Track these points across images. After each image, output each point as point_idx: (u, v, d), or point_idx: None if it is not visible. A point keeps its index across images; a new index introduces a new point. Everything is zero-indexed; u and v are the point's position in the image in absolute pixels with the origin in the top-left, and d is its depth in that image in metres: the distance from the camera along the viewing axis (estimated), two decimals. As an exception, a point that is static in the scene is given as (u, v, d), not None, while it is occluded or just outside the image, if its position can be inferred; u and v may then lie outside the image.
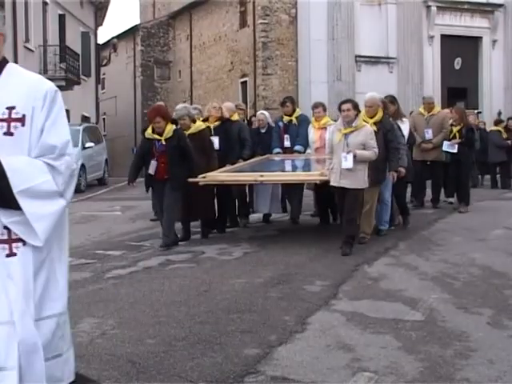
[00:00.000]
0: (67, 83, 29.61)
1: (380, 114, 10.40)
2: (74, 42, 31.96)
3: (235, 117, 12.46)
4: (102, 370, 5.08)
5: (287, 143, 12.58)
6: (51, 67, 29.36)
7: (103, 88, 44.08)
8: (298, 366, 5.13)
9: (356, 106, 9.54)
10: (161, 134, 10.14)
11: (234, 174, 10.96)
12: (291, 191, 12.52)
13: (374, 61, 33.76)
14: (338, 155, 9.34)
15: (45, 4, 29.67)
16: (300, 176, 11.06)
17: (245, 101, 32.59)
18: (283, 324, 6.17)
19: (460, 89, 35.15)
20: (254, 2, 34.49)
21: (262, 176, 10.44)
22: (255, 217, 13.15)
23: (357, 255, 9.29)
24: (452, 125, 13.85)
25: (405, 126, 11.78)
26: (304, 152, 12.49)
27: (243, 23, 36.11)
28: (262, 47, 33.89)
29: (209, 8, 39.79)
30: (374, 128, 10.01)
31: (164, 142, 10.11)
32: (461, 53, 35.40)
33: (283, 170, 11.72)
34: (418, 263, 8.88)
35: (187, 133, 10.62)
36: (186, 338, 5.78)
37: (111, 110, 45.78)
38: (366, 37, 33.12)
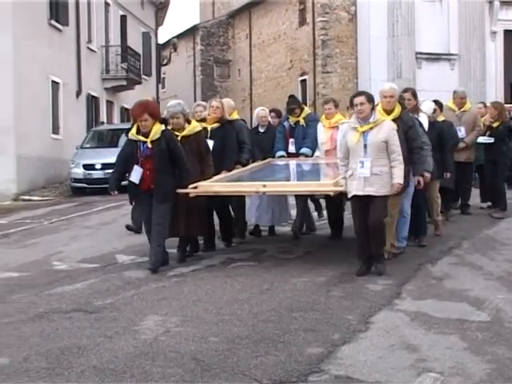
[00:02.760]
0: (128, 83, 30.01)
1: (398, 109, 8.86)
2: (135, 42, 32.32)
3: (234, 115, 10.83)
4: (166, 367, 5.12)
5: (292, 148, 10.93)
6: (113, 67, 29.76)
7: (163, 87, 44.47)
8: (361, 365, 5.10)
9: (371, 99, 8.11)
10: (146, 136, 8.58)
11: (231, 184, 9.30)
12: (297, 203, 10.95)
13: (434, 57, 33.35)
14: (357, 158, 7.98)
15: (107, 5, 30.08)
16: (310, 186, 9.17)
17: (304, 99, 32.56)
18: (346, 323, 6.14)
19: (524, 85, 34.49)
20: (313, 0, 34.40)
21: (264, 186, 8.80)
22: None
23: (420, 254, 9.18)
24: (490, 122, 12.64)
25: (423, 120, 10.23)
26: (312, 155, 10.80)
27: (302, 21, 36.07)
28: (322, 45, 33.80)
29: (268, 6, 39.83)
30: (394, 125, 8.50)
31: (150, 145, 8.53)
32: (525, 48, 34.72)
33: (288, 178, 10.20)
34: (483, 262, 8.73)
35: (180, 135, 9.11)
36: (249, 336, 5.79)
37: (171, 109, 46.11)
38: (427, 33, 32.74)
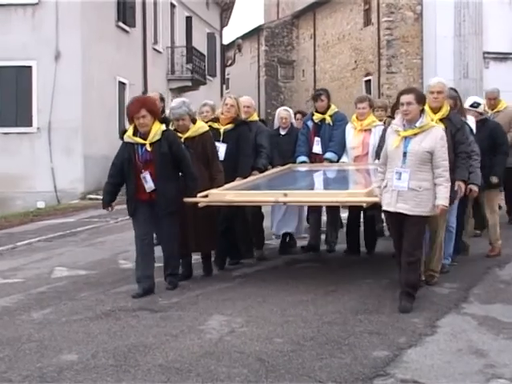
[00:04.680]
0: (193, 83, 30.24)
1: (447, 108, 7.74)
2: (200, 43, 32.55)
3: (254, 116, 9.67)
4: (231, 367, 5.14)
5: (317, 148, 9.72)
6: (178, 68, 30.05)
7: (228, 88, 44.66)
8: (428, 369, 5.03)
9: (421, 99, 6.81)
10: (145, 137, 7.50)
11: (246, 193, 8.10)
12: (327, 213, 9.93)
13: (503, 57, 32.79)
14: (394, 167, 6.76)
15: (172, 6, 30.36)
16: (339, 196, 7.68)
17: (369, 99, 32.30)
18: (412, 326, 6.07)
19: None
20: (378, 0, 34.16)
21: (285, 195, 7.67)
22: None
23: (488, 258, 9.03)
24: None
25: (470, 125, 8.98)
26: (337, 161, 9.59)
27: (367, 21, 35.87)
28: (387, 45, 33.56)
29: (333, 7, 39.72)
30: (442, 125, 7.35)
31: (149, 148, 7.46)
32: None
33: (312, 187, 9.00)
34: (553, 267, 8.54)
35: (184, 136, 8.06)
36: (314, 338, 5.78)
37: (235, 110, 46.37)
38: (495, 32, 32.19)
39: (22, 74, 20.94)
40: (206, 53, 33.37)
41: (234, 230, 8.90)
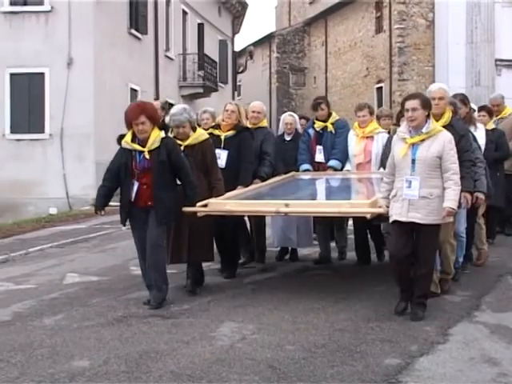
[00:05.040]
0: (205, 90, 30.30)
1: (449, 114, 7.48)
2: (211, 50, 32.63)
3: (264, 123, 9.47)
4: (243, 374, 5.15)
5: (320, 157, 9.55)
6: (190, 75, 30.13)
7: (239, 95, 44.74)
8: (440, 378, 5.02)
9: (427, 104, 6.64)
10: (144, 144, 7.28)
11: (247, 203, 7.81)
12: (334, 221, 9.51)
13: (515, 64, 32.65)
14: (404, 176, 6.60)
15: (185, 14, 30.46)
16: (342, 206, 7.32)
17: (380, 107, 32.29)
18: (424, 334, 6.06)
19: None
20: (390, 7, 34.16)
21: (287, 206, 7.40)
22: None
23: (500, 266, 9.00)
24: None
25: (480, 134, 8.95)
26: (341, 169, 9.49)
27: (379, 28, 35.83)
28: (398, 52, 33.50)
29: (344, 14, 39.71)
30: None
31: (148, 156, 7.21)
32: None
33: (314, 196, 8.78)
34: None
35: (184, 144, 7.81)
36: (325, 346, 5.77)
37: (246, 117, 46.44)
38: (507, 40, 32.02)
39: (35, 81, 21.06)
40: (217, 60, 33.44)
41: (226, 239, 8.56)
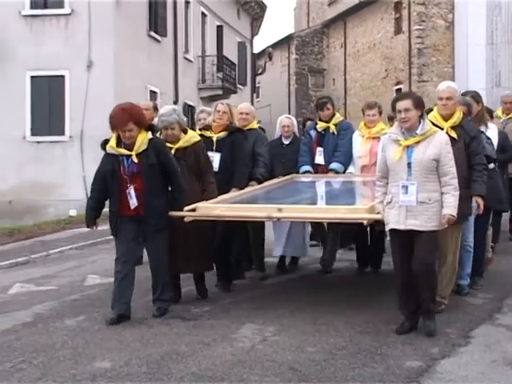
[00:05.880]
0: (224, 92, 30.32)
1: (459, 114, 7.00)
2: (230, 52, 32.66)
3: (254, 124, 9.04)
4: (263, 375, 5.15)
5: (320, 159, 9.06)
6: (209, 77, 30.17)
7: (258, 96, 44.74)
8: (462, 380, 5.00)
9: (419, 104, 6.19)
10: (130, 148, 6.83)
11: (237, 207, 7.22)
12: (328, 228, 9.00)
13: (536, 65, 32.49)
14: (399, 181, 6.15)
15: (204, 16, 30.52)
16: (338, 211, 6.78)
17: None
18: (446, 337, 6.04)
19: None
20: (409, 8, 34.07)
21: (280, 210, 6.89)
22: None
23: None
24: None
25: (492, 133, 8.46)
26: (344, 172, 8.96)
27: (398, 30, 35.77)
28: (418, 54, 33.47)
29: (363, 15, 39.67)
30: (454, 134, 6.81)
31: (136, 160, 6.78)
32: None
33: (314, 199, 8.27)
34: None
35: (174, 147, 7.42)
36: (346, 348, 5.77)
37: (266, 119, 46.38)
38: (528, 40, 31.95)
39: (55, 84, 21.16)
40: (236, 62, 33.47)
41: (229, 248, 8.13)
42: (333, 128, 9.07)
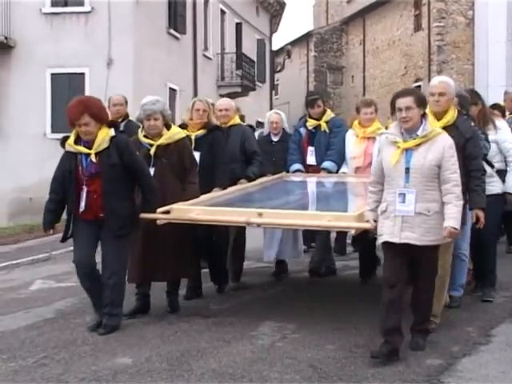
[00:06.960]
0: (243, 90, 30.34)
1: (453, 113, 6.30)
2: (249, 49, 32.66)
3: (236, 120, 8.48)
4: (283, 373, 5.16)
5: (311, 159, 8.60)
6: (228, 74, 30.20)
7: (277, 94, 44.70)
8: (483, 379, 4.98)
9: (422, 102, 5.57)
10: (90, 146, 6.26)
11: (214, 210, 6.62)
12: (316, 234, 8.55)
13: (557, 62, 32.25)
14: (396, 188, 5.49)
15: (223, 13, 30.55)
16: (323, 218, 6.09)
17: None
18: (466, 335, 6.02)
19: None
20: (429, 5, 33.93)
21: (260, 215, 6.26)
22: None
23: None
24: None
25: (504, 137, 7.52)
26: (337, 172, 8.43)
27: (417, 27, 35.63)
28: (437, 51, 33.31)
29: (382, 12, 39.54)
30: None
31: (95, 159, 6.20)
32: None
33: (301, 202, 7.70)
34: None
35: (155, 143, 6.90)
36: (365, 345, 5.76)
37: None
38: (549, 37, 31.72)
39: (75, 81, 21.26)
40: (255, 59, 33.46)
41: (219, 248, 7.83)
42: (324, 126, 8.58)
